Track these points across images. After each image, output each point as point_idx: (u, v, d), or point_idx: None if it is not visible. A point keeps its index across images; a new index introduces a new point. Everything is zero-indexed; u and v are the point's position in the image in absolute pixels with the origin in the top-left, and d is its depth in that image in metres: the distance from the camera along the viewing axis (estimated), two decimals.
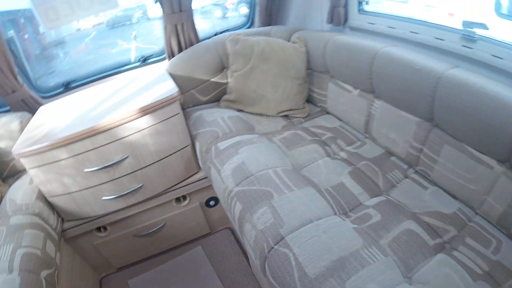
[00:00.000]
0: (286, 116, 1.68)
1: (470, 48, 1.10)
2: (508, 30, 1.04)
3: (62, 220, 1.52)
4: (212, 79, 1.80)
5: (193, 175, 1.66)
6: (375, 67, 1.28)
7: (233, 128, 1.54)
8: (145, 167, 1.49)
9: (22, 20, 2.00)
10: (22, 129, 1.52)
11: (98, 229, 1.65)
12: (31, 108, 1.68)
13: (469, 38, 1.09)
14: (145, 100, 1.41)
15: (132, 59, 2.02)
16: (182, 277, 1.73)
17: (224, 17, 3.33)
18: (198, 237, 1.89)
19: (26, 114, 1.61)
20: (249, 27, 2.20)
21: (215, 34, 2.03)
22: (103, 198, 1.48)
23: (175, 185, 1.63)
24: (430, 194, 1.15)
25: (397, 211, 1.09)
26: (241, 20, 2.24)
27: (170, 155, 1.53)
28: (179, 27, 1.78)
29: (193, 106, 1.84)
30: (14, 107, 1.66)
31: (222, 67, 1.81)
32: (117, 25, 3.04)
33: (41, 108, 1.64)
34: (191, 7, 1.76)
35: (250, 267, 1.68)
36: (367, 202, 1.16)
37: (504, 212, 0.94)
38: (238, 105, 1.75)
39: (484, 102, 0.93)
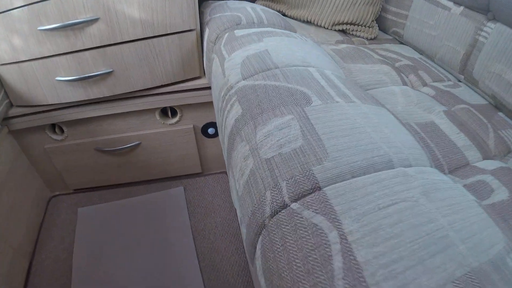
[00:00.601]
0: (343, 32, 1.16)
1: None
2: None
3: (11, 104, 1.12)
4: None
5: (191, 80, 1.16)
6: None
7: (265, 20, 1.04)
8: (121, 43, 1.02)
9: None
10: None
11: (53, 129, 1.24)
12: None
13: None
14: None
15: None
16: (145, 220, 1.26)
17: None
18: (182, 175, 1.41)
19: None
20: None
21: None
22: (57, 78, 1.04)
23: (162, 86, 1.14)
24: None
25: None
26: None
27: (163, 35, 1.04)
28: None
29: None
30: None
31: None
32: None
33: None
34: None
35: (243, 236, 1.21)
36: (478, 163, 0.65)
37: None
38: (280, 5, 1.23)
39: None
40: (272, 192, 0.48)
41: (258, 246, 0.48)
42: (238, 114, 0.65)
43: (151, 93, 1.14)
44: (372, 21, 1.14)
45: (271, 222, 0.46)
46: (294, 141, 0.52)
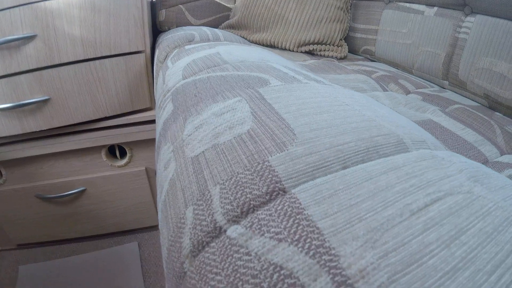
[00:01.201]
0: (311, 53, 1.01)
1: None
2: None
3: None
4: None
5: (141, 111, 0.95)
6: None
7: (221, 37, 0.87)
8: (59, 65, 0.81)
9: None
10: None
11: None
12: None
13: None
14: None
15: None
16: (92, 281, 0.96)
17: None
18: (137, 228, 1.13)
19: None
20: None
21: None
22: None
23: (107, 119, 0.92)
24: None
25: None
26: None
27: (106, 57, 0.85)
28: None
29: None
30: None
31: None
32: None
33: None
34: None
35: None
36: (499, 159, 0.45)
37: None
38: (241, 31, 1.09)
39: None
40: (195, 209, 0.24)
41: None
42: (168, 113, 0.43)
43: (95, 127, 0.92)
44: (341, 39, 1.00)
45: (191, 268, 0.22)
46: (239, 125, 0.29)
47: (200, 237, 0.22)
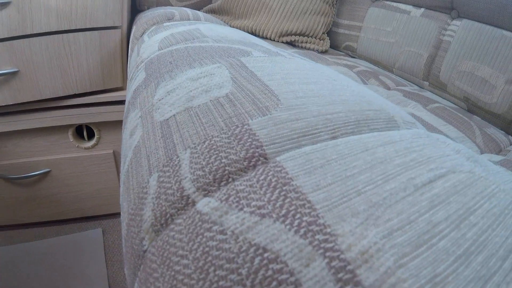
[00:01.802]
0: (292, 44, 0.98)
1: None
2: None
3: None
4: None
5: (112, 90, 0.89)
6: None
7: (202, 18, 0.82)
8: (31, 35, 0.74)
9: None
10: None
11: None
12: None
13: None
14: None
15: None
16: (53, 267, 0.89)
17: None
18: (102, 215, 1.06)
19: None
20: None
21: None
22: None
23: (76, 96, 0.85)
24: None
25: None
26: None
27: (80, 30, 0.78)
28: None
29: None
30: None
31: None
32: None
33: None
34: None
35: None
36: (485, 156, 0.44)
37: None
38: (222, 17, 1.04)
39: None
40: (160, 176, 0.20)
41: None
42: (140, 81, 0.38)
43: (63, 104, 0.84)
44: (323, 33, 0.98)
45: (153, 249, 0.18)
46: (217, 89, 0.26)
47: (163, 208, 0.18)
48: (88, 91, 0.85)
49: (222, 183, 0.18)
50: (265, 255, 0.13)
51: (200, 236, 0.16)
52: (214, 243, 0.15)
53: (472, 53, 0.65)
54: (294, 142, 0.19)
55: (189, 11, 0.84)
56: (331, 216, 0.14)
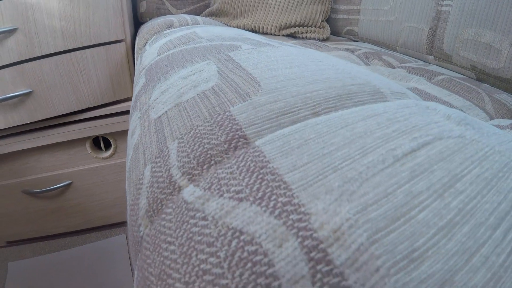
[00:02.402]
0: (293, 36, 0.97)
1: None
2: None
3: None
4: None
5: (123, 101, 0.90)
6: None
7: (201, 22, 0.82)
8: (40, 57, 0.77)
9: None
10: None
11: None
12: None
13: None
14: None
15: None
16: (81, 275, 0.92)
17: None
18: (124, 221, 1.08)
19: None
20: None
21: None
22: None
23: (90, 110, 0.87)
24: None
25: None
26: None
27: (87, 47, 0.80)
28: None
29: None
30: None
31: None
32: None
33: None
34: None
35: None
36: (489, 122, 0.41)
37: None
38: (222, 18, 1.04)
39: None
40: (153, 166, 0.20)
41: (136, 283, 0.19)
42: (140, 86, 0.39)
43: (78, 118, 0.87)
44: (322, 21, 0.96)
45: (147, 238, 0.18)
46: (204, 83, 0.25)
47: (156, 195, 0.18)
48: (100, 103, 0.87)
49: (205, 166, 0.18)
50: (241, 237, 0.13)
51: (186, 224, 0.16)
52: (197, 229, 0.15)
53: (472, 19, 0.62)
54: (273, 122, 0.18)
55: (188, 17, 0.84)
56: (305, 195, 0.13)
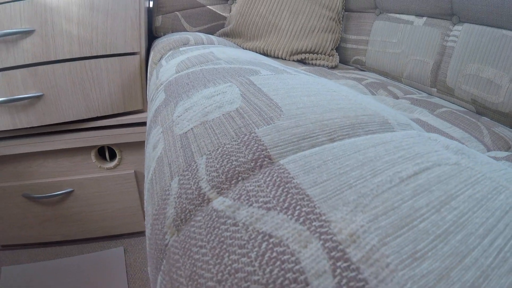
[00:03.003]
0: (303, 62, 1.02)
1: None
2: None
3: None
4: (210, 6, 1.17)
5: (133, 113, 0.94)
6: None
7: (216, 42, 0.87)
8: (55, 62, 0.81)
9: None
10: None
11: None
12: None
13: None
14: None
15: None
16: (76, 285, 0.92)
17: None
18: (124, 234, 1.10)
19: None
20: None
21: None
22: None
23: (98, 119, 0.91)
24: None
25: None
26: None
27: (101, 56, 0.85)
28: None
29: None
30: None
31: None
32: None
33: None
34: None
35: None
36: (486, 154, 0.45)
37: None
38: (235, 39, 1.09)
39: None
40: (181, 179, 0.23)
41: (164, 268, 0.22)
42: (160, 101, 0.42)
43: (86, 126, 0.90)
44: (332, 49, 1.02)
45: (175, 243, 0.21)
46: (229, 104, 0.29)
47: (184, 205, 0.21)
48: (109, 113, 0.90)
49: (233, 182, 0.21)
50: (271, 240, 0.16)
51: (217, 229, 0.19)
52: (228, 233, 0.18)
53: (475, 55, 0.66)
54: (295, 145, 0.21)
55: (203, 35, 0.89)
56: (325, 206, 0.16)
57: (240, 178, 0.21)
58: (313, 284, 0.13)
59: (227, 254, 0.17)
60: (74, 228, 1.03)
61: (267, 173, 0.20)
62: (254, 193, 0.19)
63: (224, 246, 0.17)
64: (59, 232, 1.03)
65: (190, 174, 0.22)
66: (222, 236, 0.18)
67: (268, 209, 0.18)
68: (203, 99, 0.32)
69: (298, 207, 0.17)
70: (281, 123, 0.23)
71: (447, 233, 0.15)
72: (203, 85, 0.37)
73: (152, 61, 0.83)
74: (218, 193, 0.21)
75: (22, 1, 0.73)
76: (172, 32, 1.15)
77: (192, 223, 0.21)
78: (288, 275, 0.14)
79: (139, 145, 0.97)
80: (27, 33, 0.76)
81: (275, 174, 0.20)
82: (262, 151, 0.21)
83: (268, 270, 0.15)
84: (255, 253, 0.16)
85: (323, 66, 0.99)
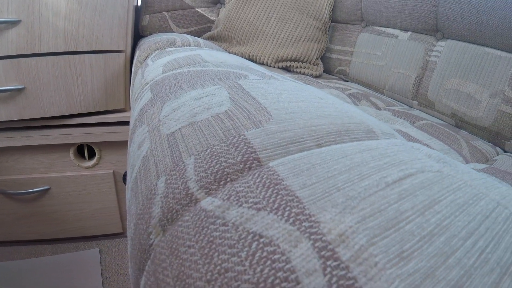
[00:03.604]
0: (287, 69, 1.03)
1: None
2: None
3: None
4: (198, 9, 1.17)
5: (114, 112, 0.92)
6: None
7: (202, 44, 0.87)
8: (39, 55, 0.78)
9: None
10: None
11: None
12: None
13: None
14: None
15: None
16: (49, 286, 0.89)
17: None
18: (100, 235, 1.07)
19: None
20: None
21: None
22: None
23: (79, 116, 0.88)
24: None
25: None
26: None
27: (86, 52, 0.83)
28: None
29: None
30: None
31: (216, 0, 1.21)
32: None
33: None
34: None
35: None
36: (469, 165, 0.47)
37: None
38: (221, 43, 1.10)
39: None
40: (168, 178, 0.23)
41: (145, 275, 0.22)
42: (146, 100, 0.42)
43: (66, 123, 0.88)
44: (317, 58, 1.03)
45: (162, 243, 0.21)
46: (218, 106, 0.29)
47: (171, 205, 0.21)
48: (91, 111, 0.88)
49: (222, 182, 0.21)
50: (261, 240, 0.16)
51: (205, 229, 0.19)
52: (218, 233, 0.18)
53: (457, 71, 0.69)
54: (283, 149, 0.22)
55: (190, 37, 0.89)
56: (315, 208, 0.17)
57: (229, 179, 0.21)
58: (304, 282, 0.13)
59: (216, 253, 0.17)
60: (49, 227, 1.00)
61: (256, 174, 0.21)
62: (244, 194, 0.19)
63: (214, 245, 0.17)
64: (34, 230, 0.99)
65: (178, 174, 0.22)
66: (211, 236, 0.18)
67: (258, 209, 0.18)
68: (191, 100, 0.32)
69: (288, 208, 0.17)
70: (270, 127, 0.24)
71: (432, 235, 0.16)
72: (191, 86, 0.37)
73: (137, 60, 0.82)
74: (206, 194, 0.21)
75: None
76: (158, 32, 1.14)
77: (180, 223, 0.21)
78: (279, 274, 0.14)
79: (119, 145, 0.95)
80: (13, 23, 0.74)
81: (265, 176, 0.20)
82: (252, 153, 0.22)
83: (259, 269, 0.15)
84: (245, 252, 0.16)
85: (308, 74, 1.01)
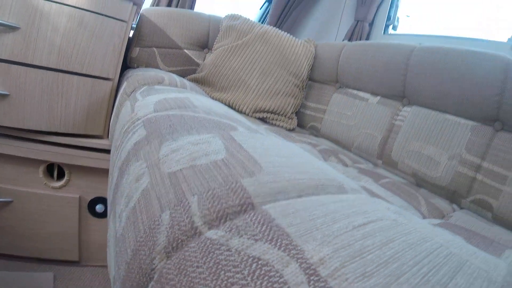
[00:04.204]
0: (264, 120, 1.12)
1: None
2: None
3: None
4: (186, 51, 1.27)
5: (92, 137, 0.95)
6: (413, 61, 0.87)
7: (188, 87, 0.95)
8: (30, 66, 0.81)
9: None
10: None
11: None
12: None
13: None
14: None
15: None
16: None
17: None
18: (55, 260, 1.02)
19: None
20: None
21: None
22: None
23: (57, 134, 0.90)
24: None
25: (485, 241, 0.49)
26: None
27: (76, 74, 0.87)
28: None
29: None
30: None
31: (204, 45, 1.31)
32: None
33: None
34: None
35: None
36: (425, 220, 0.56)
37: None
38: (204, 87, 1.18)
39: None
40: (173, 212, 0.28)
41: None
42: (140, 136, 0.47)
43: (41, 139, 0.88)
44: (292, 113, 1.14)
45: (168, 263, 0.26)
46: (215, 154, 0.35)
47: (176, 235, 0.26)
48: (69, 132, 0.90)
49: (222, 220, 0.27)
50: (259, 262, 0.22)
51: (212, 253, 0.24)
52: (223, 256, 0.23)
53: (419, 134, 0.81)
54: (272, 197, 0.28)
55: (177, 78, 0.97)
56: (300, 240, 0.23)
57: (228, 218, 0.27)
58: None
59: (223, 271, 0.22)
60: (4, 241, 0.94)
61: (252, 214, 0.27)
62: (243, 228, 0.25)
63: (220, 266, 0.23)
64: None
65: (183, 210, 0.28)
66: (217, 258, 0.23)
67: (256, 240, 0.24)
68: (189, 145, 0.38)
69: (279, 240, 0.23)
70: (262, 177, 0.30)
71: (387, 262, 0.22)
72: (187, 131, 0.43)
73: (124, 91, 0.87)
74: (209, 228, 0.27)
75: None
76: (146, 66, 1.21)
77: (186, 249, 0.26)
78: (275, 285, 0.20)
79: (90, 171, 0.96)
80: (12, 28, 0.77)
81: (260, 215, 0.26)
82: (247, 198, 0.28)
83: (259, 282, 0.21)
84: (247, 270, 0.22)
85: (282, 127, 1.11)
